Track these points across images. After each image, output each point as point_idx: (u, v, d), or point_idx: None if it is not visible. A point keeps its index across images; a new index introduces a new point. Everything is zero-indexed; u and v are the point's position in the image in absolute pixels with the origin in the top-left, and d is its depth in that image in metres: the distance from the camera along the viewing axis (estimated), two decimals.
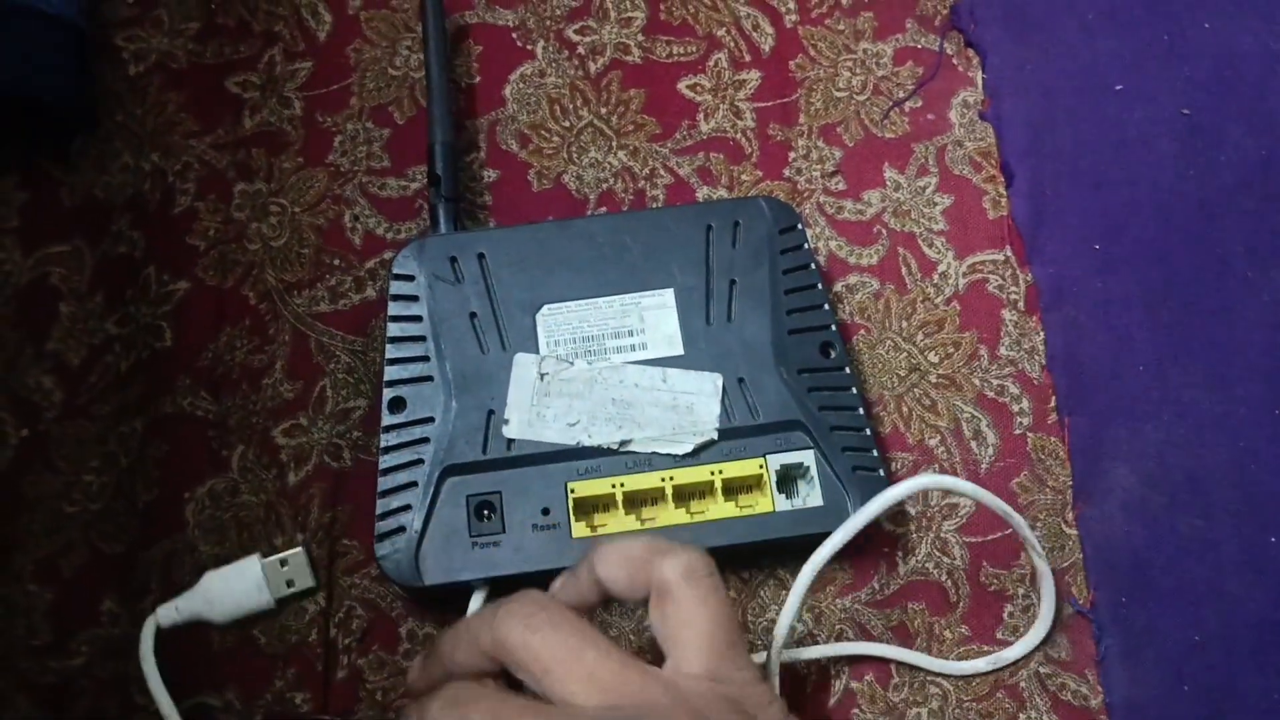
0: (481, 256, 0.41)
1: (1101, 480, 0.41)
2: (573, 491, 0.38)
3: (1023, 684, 0.38)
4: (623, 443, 0.39)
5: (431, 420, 0.39)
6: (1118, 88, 0.47)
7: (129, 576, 0.40)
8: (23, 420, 0.42)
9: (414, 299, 0.40)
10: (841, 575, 0.40)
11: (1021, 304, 0.44)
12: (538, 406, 0.39)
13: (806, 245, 0.42)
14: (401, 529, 0.38)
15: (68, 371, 0.43)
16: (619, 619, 0.39)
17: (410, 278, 0.41)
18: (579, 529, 0.38)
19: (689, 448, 0.39)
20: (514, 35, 0.48)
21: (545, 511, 0.38)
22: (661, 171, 0.46)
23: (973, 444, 0.42)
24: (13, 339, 0.43)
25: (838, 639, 0.39)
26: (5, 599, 0.40)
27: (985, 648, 0.39)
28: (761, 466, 0.38)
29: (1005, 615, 0.40)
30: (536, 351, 0.40)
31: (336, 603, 0.40)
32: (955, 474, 0.41)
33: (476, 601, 0.37)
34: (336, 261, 0.44)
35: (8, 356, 0.43)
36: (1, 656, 0.39)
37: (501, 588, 0.38)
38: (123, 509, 0.41)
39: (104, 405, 0.42)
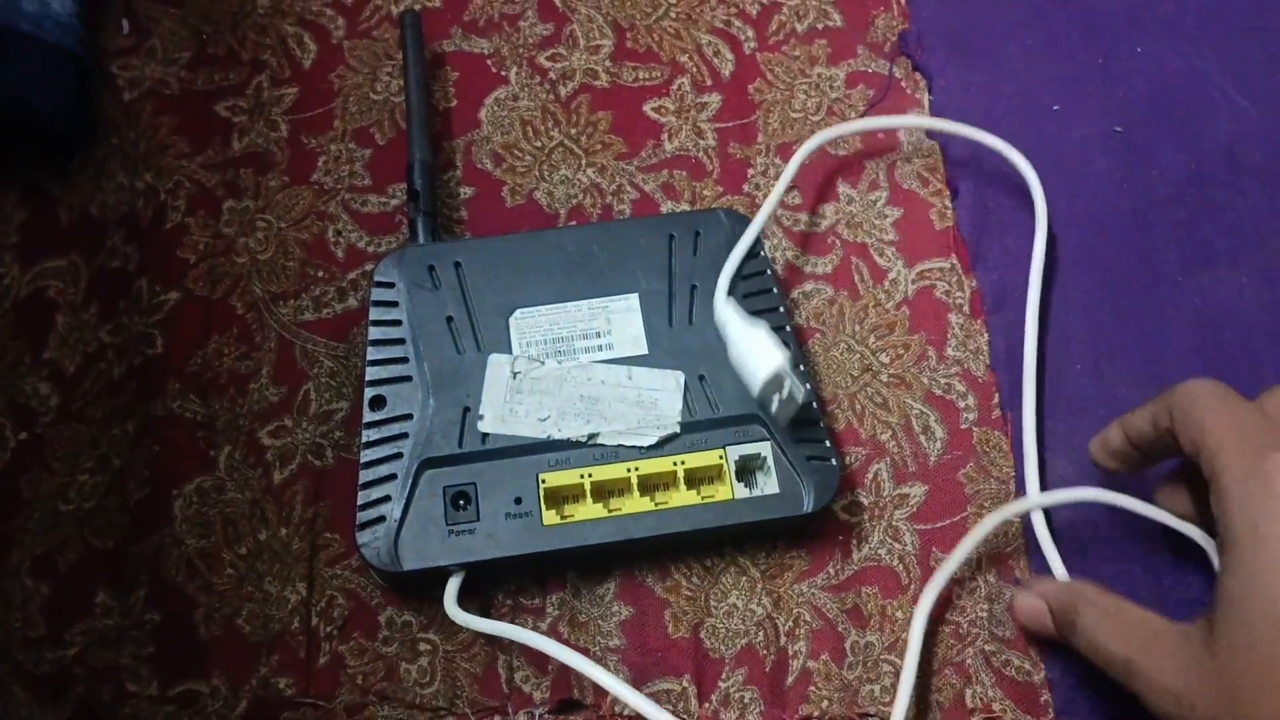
0: (458, 265, 0.44)
1: (1042, 471, 0.44)
2: (544, 482, 0.40)
3: (969, 661, 0.41)
4: (591, 436, 0.41)
5: (410, 417, 0.41)
6: (1055, 108, 0.50)
7: (120, 570, 0.42)
8: (20, 424, 0.44)
9: (394, 304, 0.43)
10: (799, 562, 0.42)
11: (967, 308, 0.46)
12: (511, 403, 0.41)
13: (763, 253, 0.45)
14: (381, 519, 0.40)
15: (63, 378, 0.45)
16: (587, 605, 0.42)
17: (391, 285, 0.43)
18: (550, 517, 0.40)
19: (653, 440, 0.41)
20: (489, 62, 0.51)
21: (518, 501, 0.40)
22: (628, 188, 0.49)
23: (922, 438, 0.44)
24: (11, 348, 0.45)
25: (796, 623, 0.41)
26: (3, 593, 0.41)
27: (936, 627, 0.41)
28: (721, 457, 0.41)
29: (954, 598, 0.42)
30: (510, 352, 0.42)
31: (318, 593, 0.42)
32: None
33: (452, 587, 0.39)
34: (320, 273, 0.47)
35: (6, 365, 0.45)
36: None
37: (477, 572, 0.40)
38: (115, 506, 0.43)
39: (98, 409, 0.44)
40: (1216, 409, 0.35)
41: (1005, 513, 0.41)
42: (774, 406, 0.40)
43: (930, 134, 0.50)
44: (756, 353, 0.40)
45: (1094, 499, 0.41)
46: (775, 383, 0.39)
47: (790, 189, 0.49)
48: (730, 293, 0.43)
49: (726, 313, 0.42)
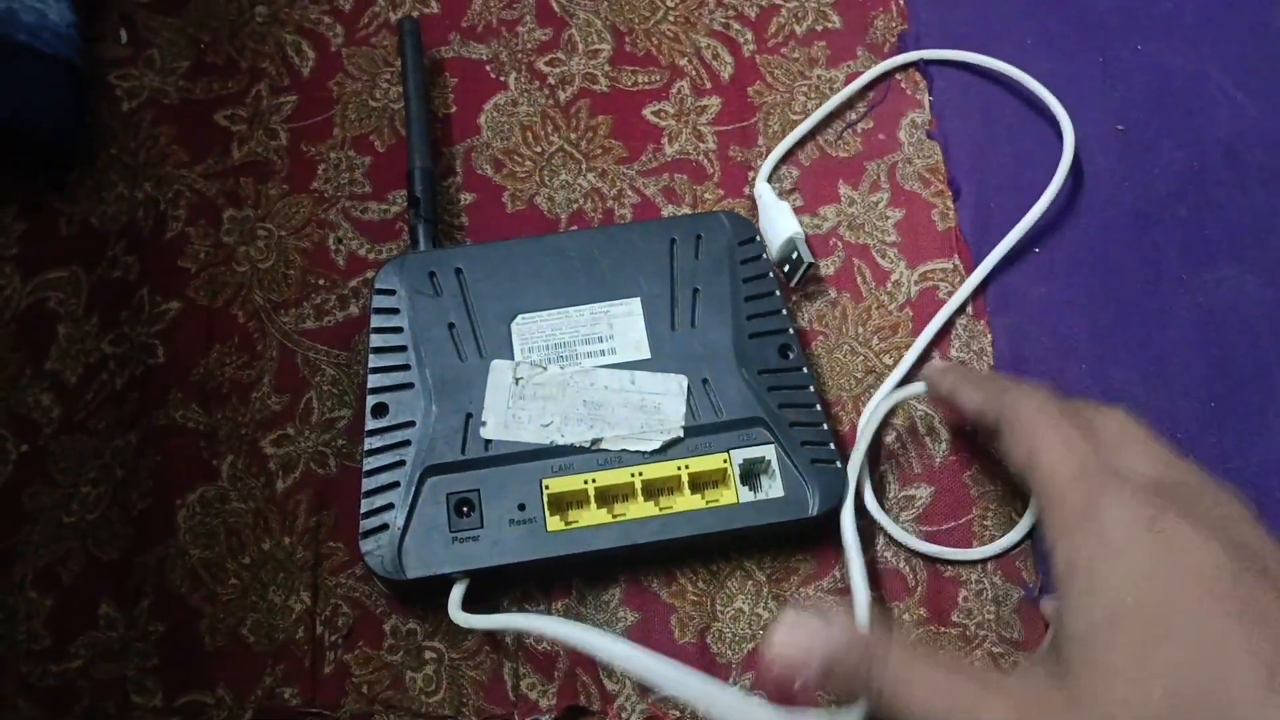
0: (459, 271, 0.44)
1: None
2: (547, 488, 0.40)
3: (977, 663, 0.40)
4: (594, 441, 0.41)
5: (413, 424, 0.41)
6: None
7: (124, 581, 0.42)
8: (22, 436, 0.44)
9: (395, 311, 0.43)
10: (805, 565, 0.42)
11: (970, 309, 0.46)
12: (513, 409, 0.41)
13: (764, 255, 0.44)
14: (385, 526, 0.40)
15: (65, 389, 0.45)
16: (593, 611, 0.41)
17: (392, 292, 0.43)
18: (553, 523, 0.40)
19: (657, 445, 0.41)
20: (488, 68, 0.51)
21: (521, 507, 0.40)
22: (629, 192, 0.49)
23: (927, 440, 0.44)
24: (13, 360, 0.45)
25: None
26: (7, 606, 0.41)
27: (942, 629, 0.41)
28: (725, 461, 0.41)
29: (960, 599, 0.42)
30: (512, 358, 0.42)
31: (323, 602, 0.41)
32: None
33: (457, 594, 0.39)
34: (321, 281, 0.47)
35: (8, 376, 0.45)
36: (3, 661, 0.41)
37: (481, 579, 0.40)
38: (118, 517, 0.43)
39: (100, 420, 0.44)
40: (1045, 433, 0.34)
41: (891, 398, 0.42)
42: (786, 267, 0.46)
43: (930, 135, 0.50)
44: (779, 222, 0.46)
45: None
46: (789, 245, 0.45)
47: (792, 191, 0.49)
48: (733, 300, 0.44)
49: (763, 188, 0.48)
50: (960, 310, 0.46)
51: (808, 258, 0.45)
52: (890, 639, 0.33)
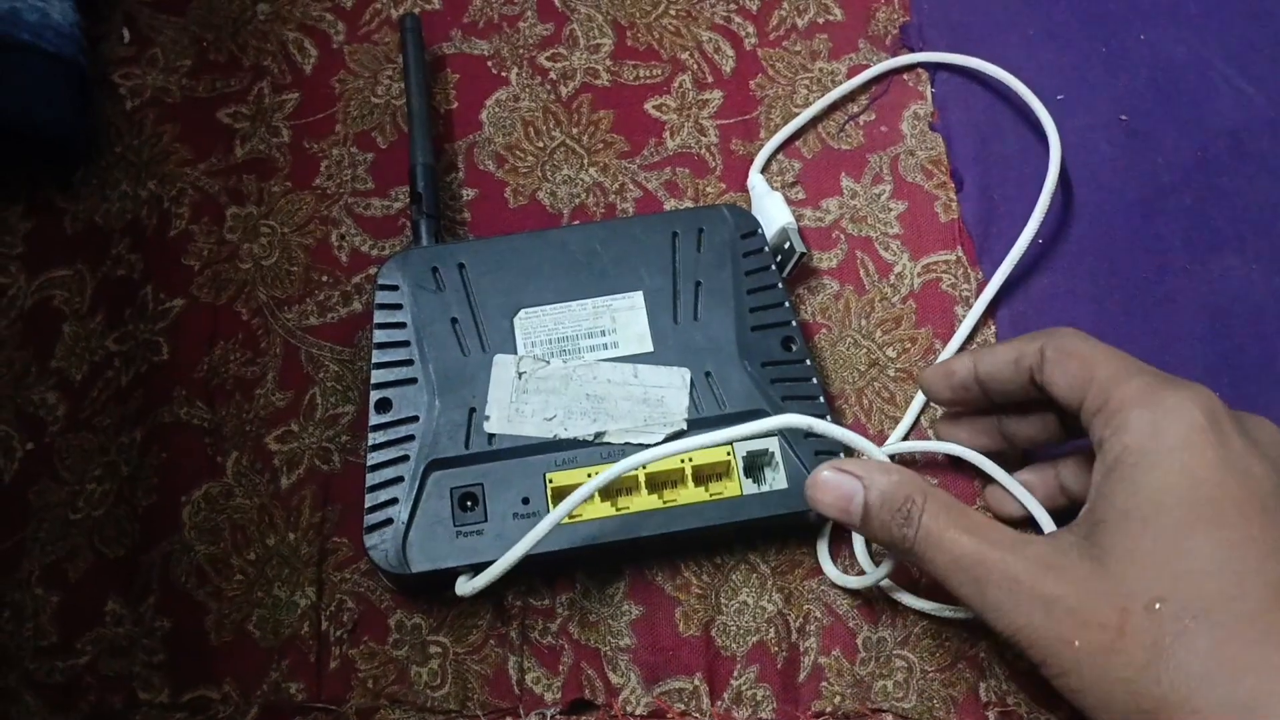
0: (462, 266, 0.44)
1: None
2: (551, 481, 0.40)
3: (982, 655, 0.40)
4: (597, 435, 0.41)
5: (416, 419, 0.41)
6: (1059, 97, 0.50)
7: (130, 578, 0.42)
8: (29, 434, 0.44)
9: (398, 307, 0.43)
10: (809, 558, 0.42)
11: (973, 300, 0.46)
12: (516, 403, 0.41)
13: (766, 248, 0.44)
14: (389, 521, 0.40)
15: (70, 387, 0.45)
16: (597, 605, 0.41)
17: (395, 287, 0.43)
18: None
19: (660, 438, 0.41)
20: (489, 64, 0.51)
21: (525, 501, 0.40)
22: (631, 186, 0.49)
23: (930, 433, 0.44)
24: (18, 358, 0.45)
25: (807, 619, 0.41)
26: (13, 603, 0.42)
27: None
28: (729, 454, 0.41)
29: None
30: (514, 352, 0.42)
31: (328, 597, 0.42)
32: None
33: (461, 586, 0.39)
34: (324, 278, 0.47)
35: (14, 375, 0.45)
36: (10, 657, 0.41)
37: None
38: (124, 514, 0.43)
39: (105, 417, 0.44)
40: (1100, 349, 0.36)
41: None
42: (779, 257, 0.45)
43: (933, 126, 0.50)
44: (772, 212, 0.46)
45: (958, 454, 0.42)
46: (781, 234, 0.45)
47: (794, 184, 0.49)
48: (736, 293, 0.43)
49: (756, 179, 0.48)
50: (979, 323, 0.46)
51: (800, 248, 0.45)
52: (928, 490, 0.35)
